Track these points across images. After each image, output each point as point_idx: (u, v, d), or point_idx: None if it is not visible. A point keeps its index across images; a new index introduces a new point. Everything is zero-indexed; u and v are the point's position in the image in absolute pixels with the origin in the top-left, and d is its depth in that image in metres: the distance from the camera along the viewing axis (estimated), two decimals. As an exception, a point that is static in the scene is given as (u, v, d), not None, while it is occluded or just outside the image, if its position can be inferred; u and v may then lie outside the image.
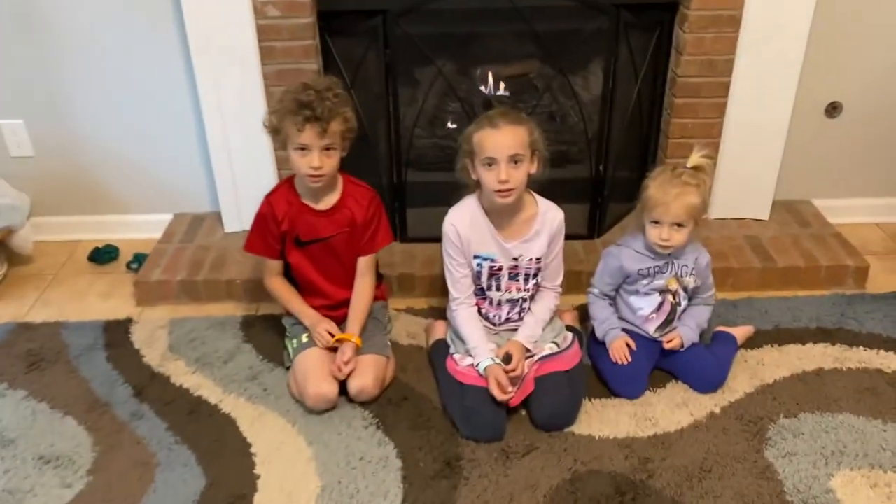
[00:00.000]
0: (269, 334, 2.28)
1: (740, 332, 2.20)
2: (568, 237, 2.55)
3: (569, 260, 2.48)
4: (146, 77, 2.56)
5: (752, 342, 2.22)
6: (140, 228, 2.79)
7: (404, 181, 2.57)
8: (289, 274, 2.15)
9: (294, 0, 2.30)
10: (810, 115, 2.64)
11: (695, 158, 1.99)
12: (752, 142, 2.54)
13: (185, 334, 2.31)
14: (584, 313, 2.28)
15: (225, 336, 2.30)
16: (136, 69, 2.55)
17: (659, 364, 2.10)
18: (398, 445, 1.90)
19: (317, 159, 1.89)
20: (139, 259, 2.61)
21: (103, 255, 2.69)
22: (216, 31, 2.32)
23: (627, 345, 2.05)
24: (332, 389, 1.97)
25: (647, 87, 2.56)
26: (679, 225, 1.95)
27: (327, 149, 1.91)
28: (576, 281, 2.41)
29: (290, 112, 1.86)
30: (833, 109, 2.64)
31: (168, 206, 2.81)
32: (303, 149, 1.90)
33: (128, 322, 2.37)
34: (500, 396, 1.87)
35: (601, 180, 2.58)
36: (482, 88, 2.68)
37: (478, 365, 1.94)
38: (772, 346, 2.21)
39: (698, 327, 2.10)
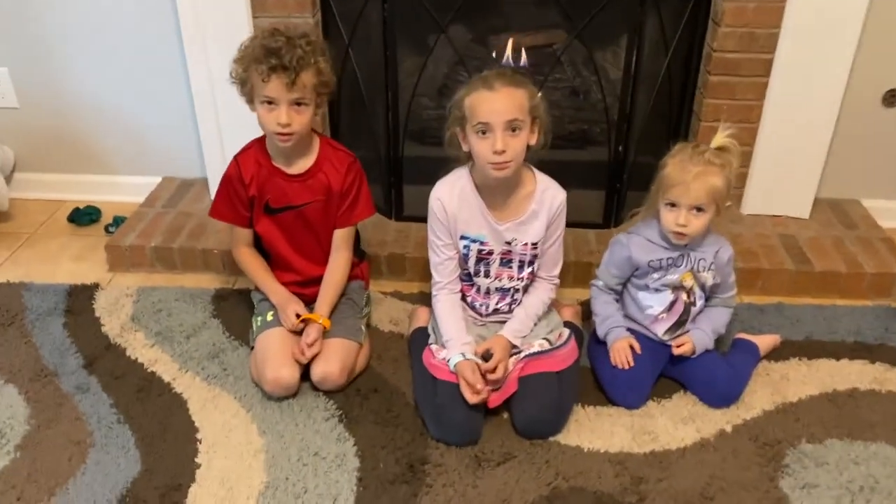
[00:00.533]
0: (241, 309, 2.09)
1: (764, 342, 1.93)
2: (581, 225, 2.34)
3: (579, 250, 2.26)
4: (139, 29, 2.38)
5: (778, 354, 1.94)
6: (128, 191, 2.62)
7: (401, 154, 2.35)
8: (261, 247, 1.96)
9: (289, -55, 2.10)
10: (865, 102, 2.32)
11: (720, 138, 1.73)
12: (796, 129, 2.25)
13: (151, 304, 2.13)
14: (587, 310, 2.03)
15: (193, 309, 2.11)
16: (129, 19, 2.37)
17: (666, 371, 1.85)
18: (359, 442, 1.69)
19: (284, 115, 1.68)
20: (118, 222, 2.45)
21: (83, 217, 2.53)
22: (204, -24, 2.14)
23: (631, 347, 1.80)
24: (291, 375, 1.76)
25: (678, 62, 2.28)
26: (698, 209, 1.70)
27: (297, 104, 1.69)
28: (584, 274, 2.17)
29: (255, 60, 1.65)
30: (893, 98, 2.32)
31: (158, 168, 2.64)
32: (269, 102, 1.68)
33: (94, 288, 2.20)
34: (470, 398, 1.64)
35: (621, 164, 2.32)
36: (499, 58, 2.43)
37: (448, 360, 1.71)
38: (800, 360, 1.93)
39: (714, 332, 1.83)
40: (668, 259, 1.78)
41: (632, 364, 1.78)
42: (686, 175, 1.68)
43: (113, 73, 2.47)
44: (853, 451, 1.66)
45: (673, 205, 1.72)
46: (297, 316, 1.82)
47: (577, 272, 2.18)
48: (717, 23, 2.16)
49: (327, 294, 1.86)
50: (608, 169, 2.34)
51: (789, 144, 2.27)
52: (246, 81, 1.70)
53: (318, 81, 1.69)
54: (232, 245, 1.96)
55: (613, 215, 2.37)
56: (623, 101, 2.24)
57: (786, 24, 2.11)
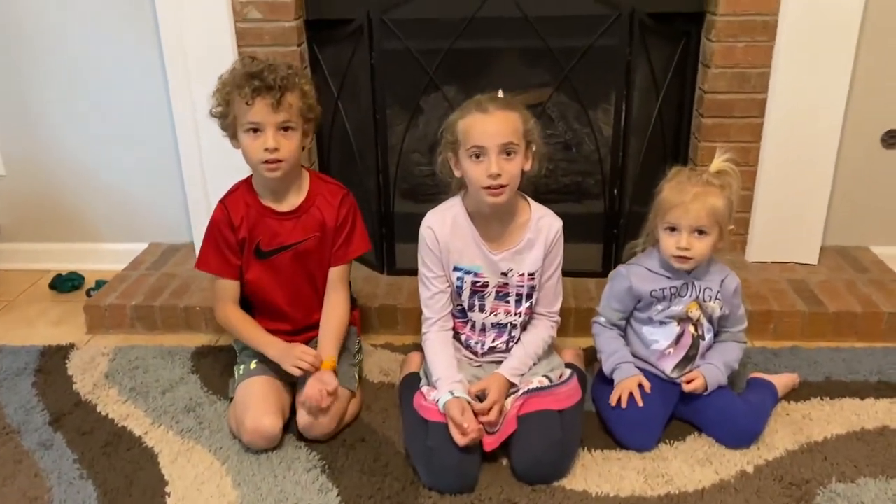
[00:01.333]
0: (222, 364, 1.97)
1: (781, 381, 1.79)
2: (580, 274, 2.25)
3: (579, 297, 2.16)
4: (128, 97, 2.38)
5: (797, 394, 1.81)
6: (114, 258, 2.53)
7: (392, 209, 2.29)
8: (243, 301, 1.82)
9: (277, 1, 2.11)
10: (863, 143, 2.27)
11: (718, 163, 1.66)
12: (796, 171, 2.19)
13: (127, 362, 2.01)
14: (590, 355, 1.91)
15: (171, 365, 1.99)
16: (117, 87, 2.37)
17: (678, 412, 1.71)
18: (343, 493, 1.53)
19: (271, 139, 1.60)
20: (101, 286, 2.36)
21: (65, 283, 2.45)
22: (191, 36, 2.14)
23: (640, 386, 1.66)
24: (273, 424, 1.62)
25: (670, 107, 2.26)
26: (700, 232, 1.61)
27: (284, 129, 1.62)
28: (585, 320, 2.04)
29: (237, 86, 1.59)
30: (891, 138, 2.27)
31: (144, 234, 2.58)
32: (255, 130, 1.62)
33: (69, 348, 2.09)
34: (458, 440, 1.50)
35: (616, 212, 2.25)
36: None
37: (438, 400, 1.57)
38: (821, 400, 1.79)
39: (727, 367, 1.70)
40: (671, 288, 1.68)
41: (640, 403, 1.64)
42: (685, 196, 1.61)
43: (100, 140, 2.45)
44: (890, 489, 1.50)
45: (672, 228, 1.64)
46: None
47: (577, 319, 2.07)
48: (707, 64, 2.14)
49: (331, 335, 1.73)
50: (605, 218, 2.27)
51: (791, 187, 2.21)
52: (227, 113, 1.64)
53: (303, 104, 1.64)
54: (216, 304, 1.80)
55: (612, 263, 2.28)
56: (615, 148, 2.19)
57: (776, 63, 2.09)
